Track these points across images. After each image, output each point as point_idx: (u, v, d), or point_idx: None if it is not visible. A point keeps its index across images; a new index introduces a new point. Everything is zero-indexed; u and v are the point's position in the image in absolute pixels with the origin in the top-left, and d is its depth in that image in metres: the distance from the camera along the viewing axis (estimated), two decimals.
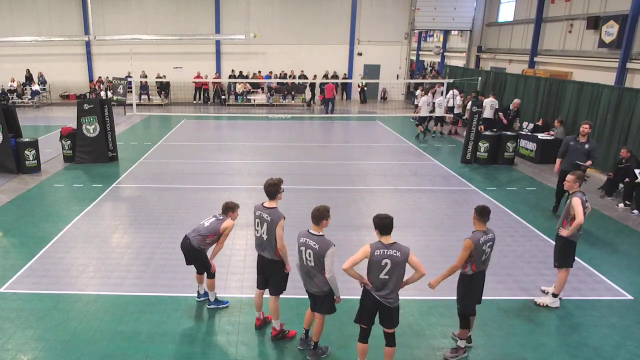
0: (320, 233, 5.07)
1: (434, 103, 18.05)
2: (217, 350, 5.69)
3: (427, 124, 18.49)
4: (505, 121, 16.35)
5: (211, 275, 6.38)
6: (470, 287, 5.47)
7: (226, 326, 6.15)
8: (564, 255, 6.60)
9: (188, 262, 6.39)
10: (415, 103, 20.41)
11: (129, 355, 5.55)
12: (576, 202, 6.40)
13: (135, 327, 6.07)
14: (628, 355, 5.72)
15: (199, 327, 6.12)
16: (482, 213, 5.34)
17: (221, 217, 6.24)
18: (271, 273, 5.68)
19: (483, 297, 6.78)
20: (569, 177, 6.63)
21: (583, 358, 5.66)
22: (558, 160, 9.89)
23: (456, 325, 6.20)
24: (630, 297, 7.01)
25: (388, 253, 4.75)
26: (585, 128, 9.51)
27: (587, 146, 9.49)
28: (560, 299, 6.75)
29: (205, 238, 6.14)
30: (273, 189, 5.56)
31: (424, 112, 17.86)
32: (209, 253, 6.35)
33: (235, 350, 5.69)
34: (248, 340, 5.89)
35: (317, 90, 26.42)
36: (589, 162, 9.54)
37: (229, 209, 6.23)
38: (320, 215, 5.05)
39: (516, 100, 16.58)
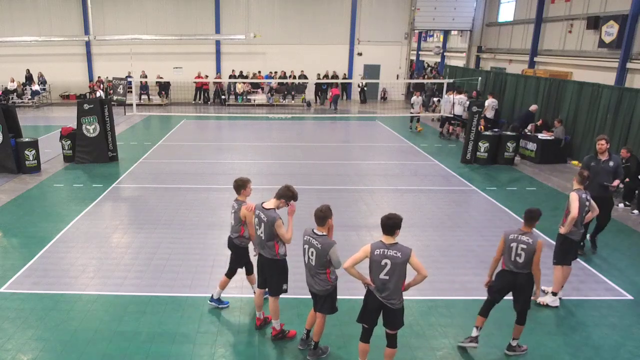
0: (324, 233, 5.10)
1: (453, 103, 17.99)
2: (217, 350, 5.69)
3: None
4: (533, 131, 15.36)
5: (229, 275, 6.41)
6: (500, 282, 5.61)
7: (226, 326, 6.15)
8: (562, 252, 6.65)
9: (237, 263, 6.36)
10: (412, 111, 20.07)
11: (129, 355, 5.55)
12: (572, 197, 6.45)
13: (135, 327, 6.07)
14: (628, 355, 5.72)
15: (199, 327, 6.12)
16: (527, 217, 5.50)
17: (237, 202, 6.15)
18: (270, 273, 5.68)
19: (484, 298, 6.79)
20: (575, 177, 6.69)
21: (583, 358, 5.66)
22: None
23: (455, 325, 6.23)
24: (630, 297, 7.02)
25: (388, 253, 4.74)
26: (601, 145, 8.07)
27: (611, 164, 8.07)
28: (560, 298, 6.76)
29: (239, 233, 6.09)
30: (289, 193, 5.51)
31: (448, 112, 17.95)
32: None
33: (235, 350, 5.69)
34: (248, 340, 5.89)
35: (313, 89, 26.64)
36: (616, 182, 8.10)
37: (240, 187, 6.11)
38: (323, 216, 5.08)
39: (535, 106, 16.00)
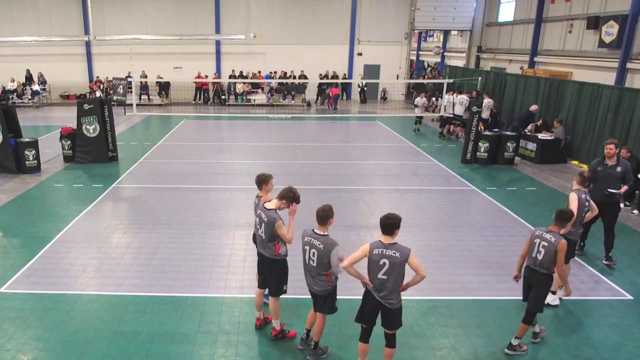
0: (325, 233, 5.09)
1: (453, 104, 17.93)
2: (217, 350, 5.70)
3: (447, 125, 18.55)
4: (533, 131, 15.38)
5: None
6: (525, 276, 5.68)
7: (226, 326, 6.15)
8: None
9: None
10: (419, 114, 19.52)
11: (129, 356, 5.55)
12: (572, 197, 6.46)
13: (135, 327, 6.07)
14: (628, 355, 5.72)
15: (199, 327, 6.12)
16: (557, 217, 5.50)
17: (258, 198, 6.09)
18: (270, 273, 5.69)
19: (484, 298, 6.87)
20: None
21: (583, 358, 5.66)
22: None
23: (455, 325, 6.23)
24: (630, 297, 7.02)
25: (386, 253, 4.73)
26: (610, 149, 7.76)
27: (619, 169, 7.78)
28: (560, 298, 6.76)
29: None
30: (290, 194, 5.47)
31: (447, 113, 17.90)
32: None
33: (235, 350, 5.69)
34: (248, 340, 5.89)
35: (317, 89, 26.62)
36: (624, 188, 7.83)
37: (261, 182, 6.11)
38: (326, 216, 5.08)
39: (535, 106, 16.04)
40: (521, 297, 5.79)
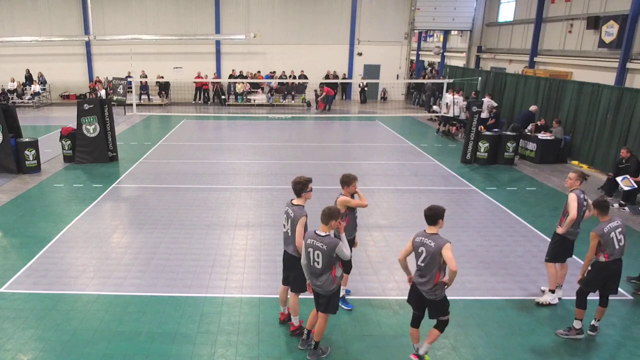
0: (327, 233, 5.13)
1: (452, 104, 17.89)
2: (217, 350, 5.70)
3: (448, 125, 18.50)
4: (533, 131, 15.26)
5: (346, 270, 6.38)
6: (603, 274, 5.80)
7: (226, 326, 6.15)
8: (555, 250, 6.70)
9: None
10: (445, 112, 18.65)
11: (129, 355, 5.55)
12: (571, 198, 6.45)
13: (135, 327, 6.07)
14: (628, 355, 5.72)
15: (199, 327, 6.12)
16: (601, 207, 5.79)
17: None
18: (293, 270, 5.75)
19: (484, 298, 6.87)
20: (571, 174, 6.65)
21: (583, 358, 5.66)
22: None
23: (455, 325, 6.21)
24: (630, 297, 7.02)
25: (424, 241, 4.96)
26: None
27: None
28: (559, 298, 6.76)
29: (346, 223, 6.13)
30: (298, 186, 5.66)
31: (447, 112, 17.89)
32: None
33: (235, 350, 5.69)
34: (248, 340, 5.89)
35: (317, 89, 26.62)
36: None
37: (344, 183, 6.34)
38: (330, 215, 5.13)
39: (535, 107, 16.08)
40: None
